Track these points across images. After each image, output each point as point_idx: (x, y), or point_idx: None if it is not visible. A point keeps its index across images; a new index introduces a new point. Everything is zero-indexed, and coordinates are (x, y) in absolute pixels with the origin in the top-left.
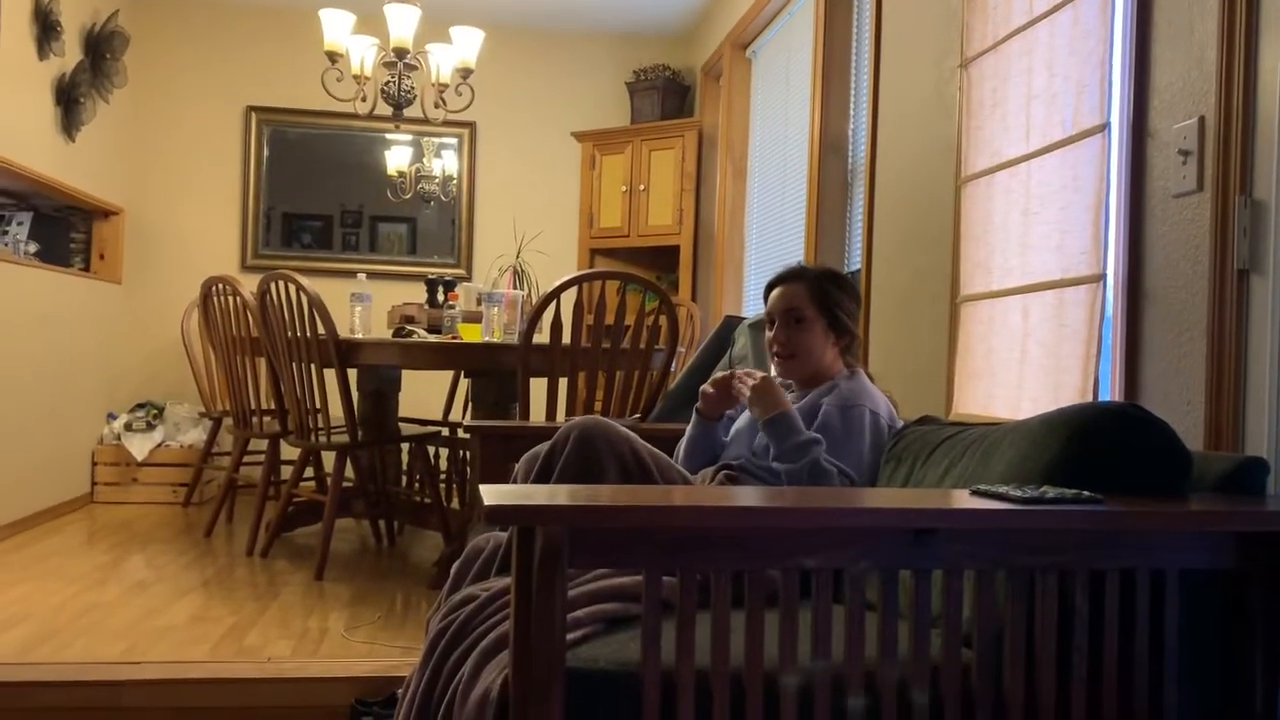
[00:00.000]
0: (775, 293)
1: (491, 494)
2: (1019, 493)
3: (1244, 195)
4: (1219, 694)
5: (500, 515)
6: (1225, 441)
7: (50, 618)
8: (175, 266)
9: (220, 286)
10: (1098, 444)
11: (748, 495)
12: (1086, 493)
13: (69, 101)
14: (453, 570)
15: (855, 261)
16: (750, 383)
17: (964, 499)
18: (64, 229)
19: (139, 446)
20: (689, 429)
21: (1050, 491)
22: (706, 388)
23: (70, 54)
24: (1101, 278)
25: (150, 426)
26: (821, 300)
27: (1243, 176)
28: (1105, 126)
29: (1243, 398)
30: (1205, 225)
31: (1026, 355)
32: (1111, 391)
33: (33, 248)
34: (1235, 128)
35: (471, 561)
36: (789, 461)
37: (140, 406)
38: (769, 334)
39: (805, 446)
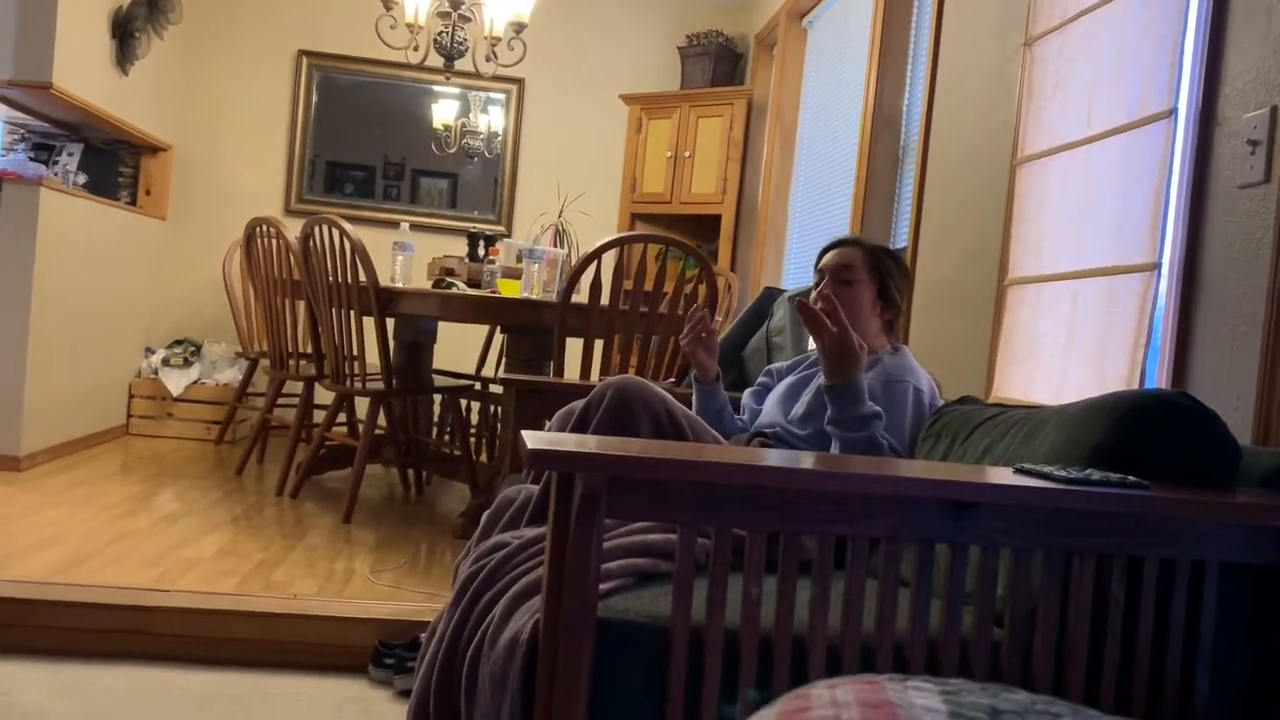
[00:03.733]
0: (830, 254)
1: (533, 439)
2: (1064, 473)
3: None
4: (1252, 686)
5: (542, 460)
6: (1275, 438)
7: (83, 542)
8: (220, 206)
9: (264, 228)
10: (1145, 430)
11: (790, 458)
12: (1132, 478)
13: (124, 35)
14: (483, 519)
15: (902, 239)
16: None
17: (1006, 476)
18: (113, 162)
19: (175, 382)
20: (694, 403)
21: (1095, 474)
22: (683, 340)
23: None
24: (1156, 266)
25: (187, 363)
26: (876, 267)
27: None
28: (1172, 113)
29: None
30: (1270, 217)
31: (1073, 341)
32: (1159, 382)
33: (82, 179)
34: None
35: (502, 511)
36: (847, 430)
37: (178, 343)
38: (814, 293)
39: (867, 420)
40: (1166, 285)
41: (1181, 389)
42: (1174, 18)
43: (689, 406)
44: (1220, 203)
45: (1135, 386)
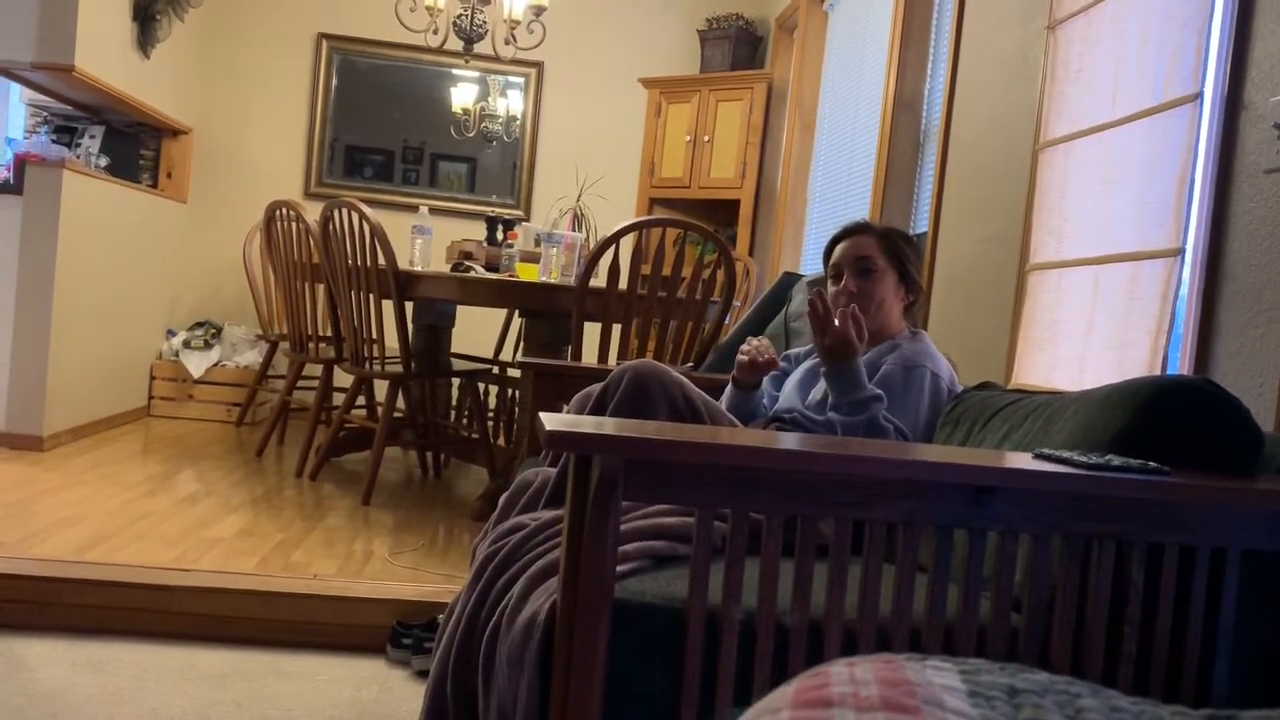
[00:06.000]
0: (842, 245)
1: (552, 421)
2: (1084, 458)
3: None
4: (1272, 674)
5: (560, 441)
6: None
7: (105, 521)
8: (240, 189)
9: (284, 211)
10: (1167, 416)
11: (808, 441)
12: (1153, 464)
13: (146, 18)
14: (501, 501)
15: (922, 224)
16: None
17: (1026, 461)
18: (134, 145)
19: (196, 364)
20: (726, 394)
21: (1116, 460)
22: (742, 356)
23: None
24: (1180, 252)
25: (208, 345)
26: (892, 252)
27: None
28: (1197, 96)
29: None
30: None
31: (1094, 327)
32: (1181, 368)
33: (103, 161)
34: None
35: (520, 493)
36: (847, 414)
37: (199, 325)
38: (834, 288)
39: (866, 402)
40: (1190, 271)
41: (1204, 375)
42: (1201, 0)
43: (707, 392)
44: (1245, 188)
45: (1157, 373)
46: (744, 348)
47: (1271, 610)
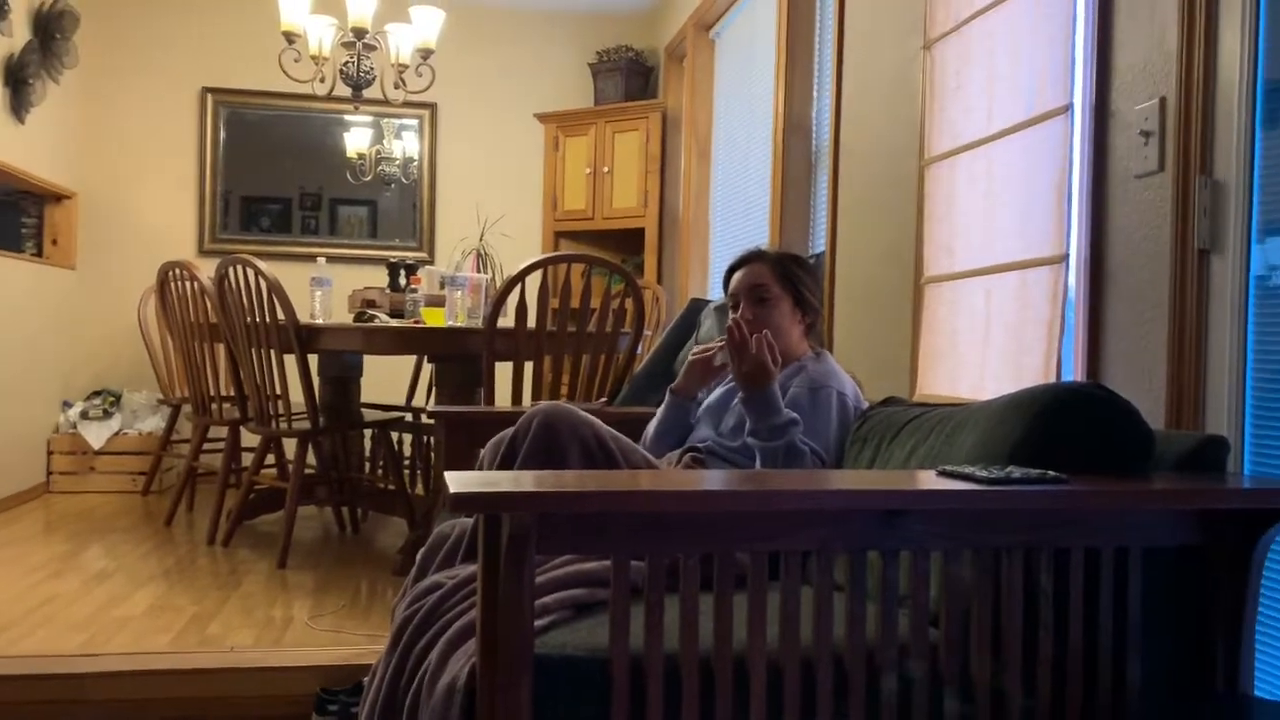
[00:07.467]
0: (738, 274)
1: (456, 481)
2: (985, 473)
3: (1204, 176)
4: (1181, 668)
5: (466, 503)
6: (1186, 420)
7: (6, 609)
8: (131, 251)
9: (177, 271)
10: (1062, 424)
11: (716, 479)
12: (1051, 473)
13: (17, 82)
14: (418, 558)
15: (820, 244)
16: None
17: (931, 480)
18: (14, 213)
19: (96, 435)
20: (661, 409)
21: (1016, 472)
22: (696, 359)
23: (18, 34)
24: (1064, 258)
25: (107, 414)
26: (786, 278)
27: (1203, 157)
28: (1068, 108)
29: (1203, 377)
30: (1166, 205)
31: (989, 336)
32: (1074, 372)
33: None
34: (1195, 108)
35: (437, 549)
36: (766, 440)
37: (97, 394)
38: (733, 316)
39: (784, 427)
40: (1075, 276)
41: (1095, 378)
42: (1063, 15)
43: (621, 428)
44: (1119, 193)
45: (1052, 378)
46: (697, 349)
47: (1176, 605)
